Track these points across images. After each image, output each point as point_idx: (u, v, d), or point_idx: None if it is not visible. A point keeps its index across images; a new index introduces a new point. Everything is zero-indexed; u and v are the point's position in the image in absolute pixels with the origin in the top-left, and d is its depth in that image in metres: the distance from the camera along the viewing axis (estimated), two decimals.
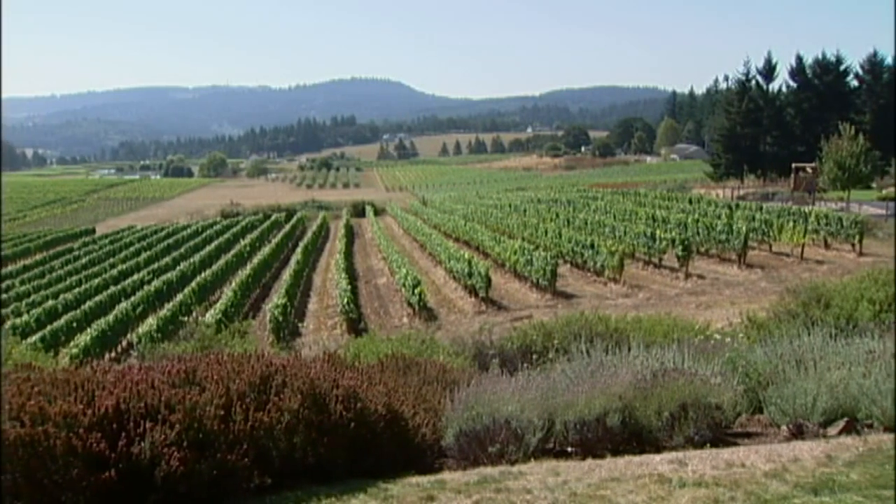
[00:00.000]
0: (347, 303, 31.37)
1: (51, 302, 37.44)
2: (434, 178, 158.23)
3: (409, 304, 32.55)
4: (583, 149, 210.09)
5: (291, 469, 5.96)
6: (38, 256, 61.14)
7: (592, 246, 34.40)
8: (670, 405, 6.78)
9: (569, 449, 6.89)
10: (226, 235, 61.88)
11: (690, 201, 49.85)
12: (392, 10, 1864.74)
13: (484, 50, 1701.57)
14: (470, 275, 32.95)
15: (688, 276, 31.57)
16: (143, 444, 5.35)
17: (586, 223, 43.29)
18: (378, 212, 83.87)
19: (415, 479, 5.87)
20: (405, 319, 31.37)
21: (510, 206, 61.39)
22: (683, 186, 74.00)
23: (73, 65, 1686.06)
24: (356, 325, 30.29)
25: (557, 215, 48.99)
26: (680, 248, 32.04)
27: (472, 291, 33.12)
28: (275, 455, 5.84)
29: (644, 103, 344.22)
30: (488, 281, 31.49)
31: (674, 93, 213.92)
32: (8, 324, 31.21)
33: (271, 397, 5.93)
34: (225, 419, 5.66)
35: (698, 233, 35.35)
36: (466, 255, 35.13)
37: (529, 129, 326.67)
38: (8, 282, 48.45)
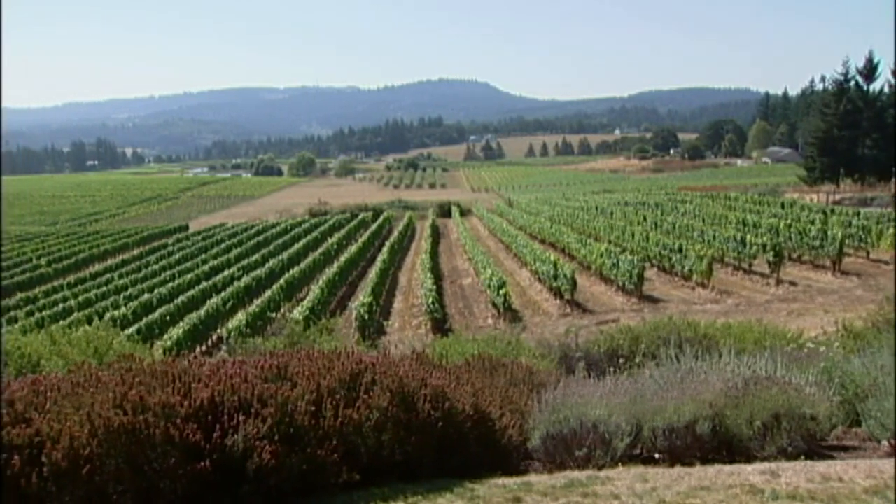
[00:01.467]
0: (432, 302, 31.52)
1: (146, 296, 38.59)
2: (520, 180, 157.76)
3: (494, 305, 32.54)
4: (671, 151, 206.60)
5: (379, 466, 6.02)
6: (136, 251, 63.08)
7: (680, 250, 33.83)
8: (762, 414, 6.62)
9: (656, 455, 6.80)
10: (313, 234, 62.83)
11: (783, 206, 48.57)
12: (480, 11, 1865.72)
13: (572, 50, 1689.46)
14: (555, 277, 32.77)
15: (779, 282, 30.77)
16: (236, 436, 5.48)
17: (674, 226, 42.61)
18: (464, 212, 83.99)
19: (501, 481, 5.87)
20: (489, 320, 31.37)
21: (596, 208, 60.84)
22: (775, 190, 72.07)
23: (170, 67, 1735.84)
24: (441, 325, 30.41)
25: (645, 218, 48.34)
26: (771, 253, 31.25)
27: (557, 294, 32.93)
28: (363, 452, 5.91)
29: (735, 105, 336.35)
30: (574, 283, 31.27)
31: (767, 94, 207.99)
32: (107, 316, 32.28)
33: (361, 395, 6.01)
34: (315, 415, 5.75)
35: (790, 238, 34.40)
36: (552, 257, 34.94)
37: (617, 131, 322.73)
38: (108, 275, 50.16)
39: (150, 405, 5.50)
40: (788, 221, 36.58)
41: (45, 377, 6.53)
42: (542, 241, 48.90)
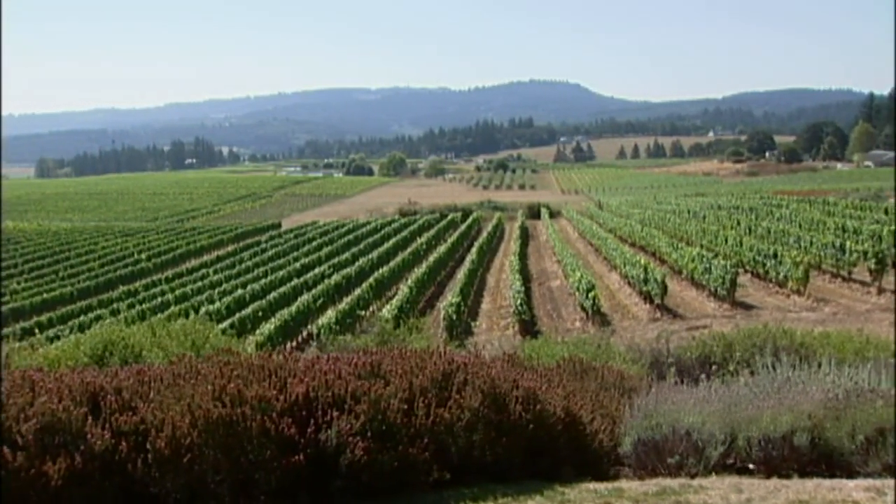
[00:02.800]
0: (520, 304, 31.45)
1: (239, 291, 39.52)
2: (610, 182, 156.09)
3: (583, 308, 32.28)
4: (767, 154, 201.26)
5: (469, 466, 6.05)
6: (230, 248, 64.65)
7: (775, 256, 32.97)
8: (866, 428, 6.40)
9: (751, 466, 6.64)
10: (403, 233, 63.34)
11: (886, 211, 46.83)
12: (571, 11, 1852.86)
13: (666, 51, 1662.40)
14: (645, 281, 32.32)
15: (881, 290, 29.70)
16: (329, 431, 5.58)
17: (769, 231, 41.53)
18: (553, 214, 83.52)
19: (591, 485, 5.84)
20: (577, 323, 31.14)
21: (689, 211, 59.77)
22: (878, 195, 69.51)
23: (266, 68, 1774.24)
24: (528, 327, 30.31)
25: (738, 223, 47.27)
26: (873, 260, 30.18)
27: (647, 298, 32.47)
28: (453, 451, 5.95)
29: (836, 106, 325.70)
30: (664, 288, 30.80)
31: (871, 95, 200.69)
32: (202, 310, 33.19)
33: (452, 394, 6.05)
34: (407, 413, 5.82)
35: (895, 245, 33.15)
36: (642, 261, 34.48)
37: (711, 133, 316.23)
38: (203, 271, 51.59)
39: (247, 398, 5.64)
40: (892, 227, 35.26)
41: (148, 367, 6.77)
42: (633, 245, 48.30)
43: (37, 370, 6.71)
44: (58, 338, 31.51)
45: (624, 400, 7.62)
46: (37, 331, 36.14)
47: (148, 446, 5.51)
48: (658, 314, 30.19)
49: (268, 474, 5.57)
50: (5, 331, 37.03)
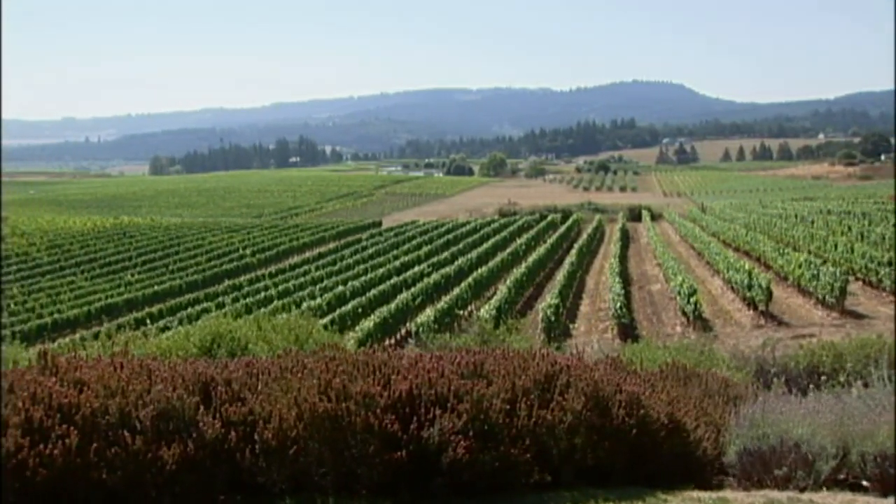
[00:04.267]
0: (620, 307, 31.05)
1: (340, 288, 40.17)
2: (714, 185, 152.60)
3: (684, 313, 31.67)
4: (882, 157, 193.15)
5: (570, 469, 6.02)
6: (332, 245, 65.76)
7: (890, 263, 31.66)
8: None
9: (864, 483, 6.41)
10: (502, 234, 63.29)
11: None
12: (676, 10, 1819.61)
13: (773, 50, 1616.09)
14: (749, 287, 31.49)
15: None
16: (432, 429, 5.63)
17: (883, 238, 39.86)
18: (654, 217, 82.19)
19: (695, 494, 5.73)
20: (678, 328, 30.58)
21: (796, 216, 57.90)
22: None
23: (369, 69, 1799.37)
24: (627, 331, 29.92)
25: (850, 228, 45.55)
26: None
27: (751, 304, 31.63)
28: (555, 453, 5.93)
29: None
30: (769, 294, 29.95)
31: None
32: (304, 305, 33.87)
33: (555, 396, 6.03)
34: (509, 413, 5.83)
35: None
36: (746, 266, 33.60)
37: (821, 135, 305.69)
38: (305, 267, 52.65)
39: (352, 393, 5.74)
40: None
41: (256, 360, 6.96)
42: (736, 249, 47.11)
43: (152, 359, 6.97)
44: (167, 328, 32.66)
45: (728, 408, 7.45)
46: (148, 321, 37.55)
47: (256, 437, 5.67)
48: (762, 321, 29.38)
49: (370, 469, 5.66)
50: (120, 320, 38.65)
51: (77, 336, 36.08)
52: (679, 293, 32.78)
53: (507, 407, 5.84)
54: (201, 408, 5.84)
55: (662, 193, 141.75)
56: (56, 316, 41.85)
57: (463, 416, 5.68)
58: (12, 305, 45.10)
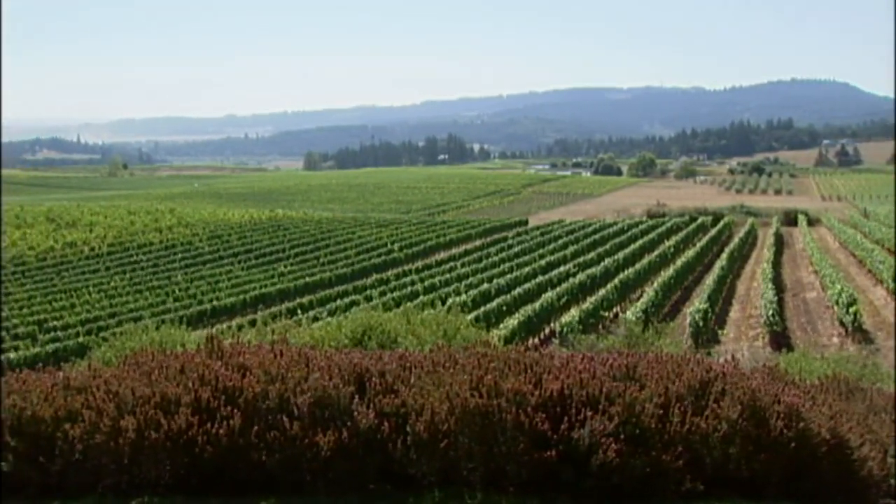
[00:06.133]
0: (772, 315, 29.93)
1: (485, 285, 40.34)
2: (878, 189, 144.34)
3: (841, 324, 30.22)
4: None
5: (722, 479, 5.86)
6: (478, 242, 66.14)
7: None
8: None
9: None
10: (650, 235, 62.04)
11: None
12: (842, 4, 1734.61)
13: None
14: None
15: None
16: (582, 430, 5.61)
17: None
18: (811, 222, 78.66)
19: None
20: (834, 339, 29.21)
21: None
22: None
23: (518, 68, 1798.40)
24: (779, 339, 28.81)
25: None
26: None
27: None
28: (708, 462, 5.79)
29: None
30: None
31: None
32: (449, 301, 34.22)
33: (710, 403, 5.88)
34: (662, 419, 5.73)
35: None
36: None
37: None
38: (451, 263, 53.18)
39: (503, 391, 5.78)
40: None
41: (409, 353, 7.10)
42: None
43: (310, 348, 7.23)
44: (317, 319, 33.71)
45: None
46: (299, 311, 38.86)
47: (408, 429, 5.79)
48: None
49: (519, 467, 5.69)
50: (273, 309, 40.18)
51: (234, 323, 37.69)
52: (837, 302, 31.30)
53: (660, 412, 5.74)
54: (356, 397, 6.02)
55: (820, 197, 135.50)
56: (215, 303, 43.87)
57: (614, 418, 5.63)
58: (176, 292, 47.59)
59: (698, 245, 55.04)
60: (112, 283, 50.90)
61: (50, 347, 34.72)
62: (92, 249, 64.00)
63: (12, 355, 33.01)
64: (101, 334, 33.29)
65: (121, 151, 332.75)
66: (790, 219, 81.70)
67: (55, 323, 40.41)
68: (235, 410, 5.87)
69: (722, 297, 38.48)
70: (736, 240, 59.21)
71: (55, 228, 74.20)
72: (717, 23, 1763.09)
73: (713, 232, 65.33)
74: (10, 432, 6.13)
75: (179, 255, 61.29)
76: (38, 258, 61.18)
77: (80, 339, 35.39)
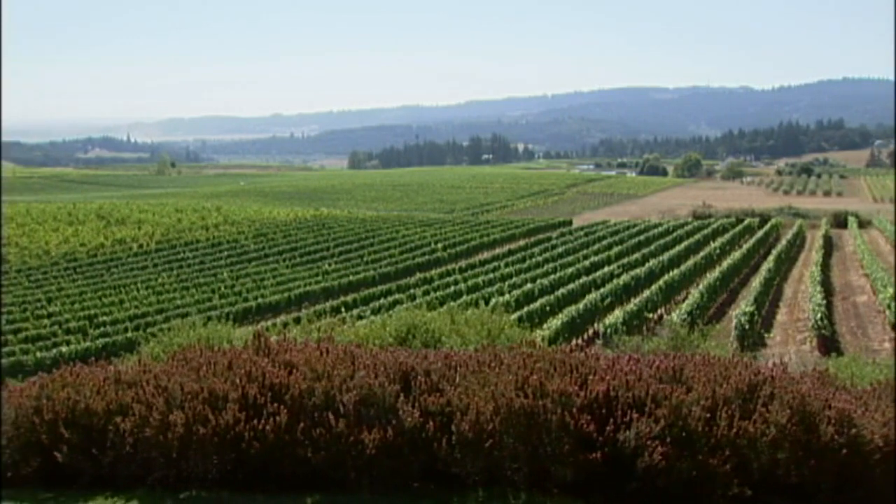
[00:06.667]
0: (820, 318, 29.47)
1: (529, 285, 40.27)
2: None
3: (894, 329, 29.65)
4: None
5: (770, 484, 5.79)
6: (521, 242, 65.97)
7: None
8: None
9: None
10: (696, 236, 61.42)
11: None
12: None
13: None
14: None
15: None
16: (628, 432, 5.57)
17: None
18: (862, 224, 77.20)
19: None
20: (886, 344, 28.65)
21: None
22: None
23: (564, 67, 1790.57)
24: (828, 344, 28.35)
25: None
26: None
27: None
28: (755, 467, 5.71)
29: None
30: None
31: None
32: (492, 301, 34.20)
33: (758, 407, 5.81)
34: (709, 422, 5.67)
35: None
36: None
37: None
38: (494, 263, 53.15)
39: (548, 391, 5.77)
40: None
41: (454, 353, 7.11)
42: None
43: (355, 346, 7.28)
44: (361, 317, 33.90)
45: None
46: (343, 309, 39.10)
47: (452, 428, 5.80)
48: None
49: (563, 468, 5.67)
50: (317, 307, 40.47)
51: (278, 320, 38.06)
52: (889, 306, 30.73)
53: (707, 415, 5.69)
54: (401, 396, 6.05)
55: (872, 199, 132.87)
56: (260, 300, 44.34)
57: (660, 421, 5.58)
58: (223, 289, 48.17)
59: (745, 247, 54.40)
60: (160, 280, 51.68)
61: (100, 342, 35.40)
62: (140, 246, 65.02)
63: (64, 349, 33.82)
64: (149, 330, 33.85)
65: (169, 150, 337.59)
66: (840, 220, 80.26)
67: (105, 318, 41.17)
68: (282, 407, 5.93)
69: (769, 300, 37.98)
70: (783, 242, 58.38)
71: (105, 225, 75.54)
72: (765, 21, 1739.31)
73: (760, 234, 64.48)
74: (63, 424, 6.27)
75: (225, 253, 62.04)
76: (88, 254, 62.33)
77: (129, 335, 36.03)
